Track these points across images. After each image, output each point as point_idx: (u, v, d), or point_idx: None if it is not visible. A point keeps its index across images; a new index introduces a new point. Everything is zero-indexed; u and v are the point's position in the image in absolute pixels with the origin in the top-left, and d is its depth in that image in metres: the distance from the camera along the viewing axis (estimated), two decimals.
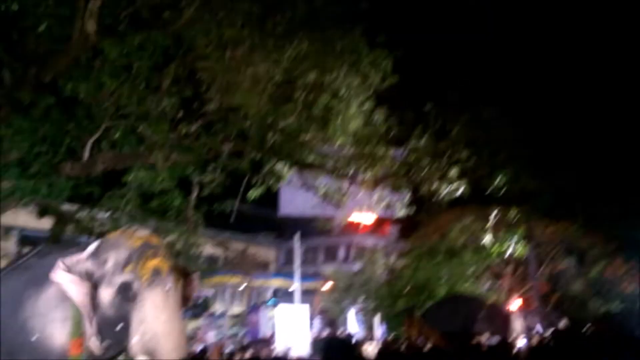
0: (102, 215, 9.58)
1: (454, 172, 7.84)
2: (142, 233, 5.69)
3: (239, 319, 20.76)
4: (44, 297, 5.11)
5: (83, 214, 9.45)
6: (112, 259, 5.19)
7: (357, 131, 7.63)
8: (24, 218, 9.73)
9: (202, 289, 19.46)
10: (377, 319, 16.85)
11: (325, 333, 16.80)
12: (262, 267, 26.26)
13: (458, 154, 7.83)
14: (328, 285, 22.15)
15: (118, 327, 4.98)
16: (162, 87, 7.17)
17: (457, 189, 7.97)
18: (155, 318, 4.98)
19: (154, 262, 5.17)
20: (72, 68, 6.77)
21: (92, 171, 7.59)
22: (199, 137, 7.49)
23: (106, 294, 5.12)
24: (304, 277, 21.98)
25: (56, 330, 5.04)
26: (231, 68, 6.99)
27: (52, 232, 9.58)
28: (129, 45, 6.69)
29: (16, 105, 6.67)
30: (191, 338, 17.02)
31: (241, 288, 23.32)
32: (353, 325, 14.29)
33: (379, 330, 15.54)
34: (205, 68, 7.20)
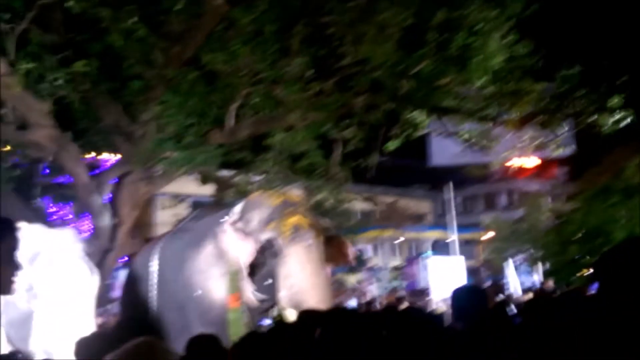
0: (256, 178, 10.11)
1: (616, 100, 6.92)
2: (283, 192, 5.96)
3: (399, 272, 21.00)
4: (202, 256, 5.59)
5: (239, 179, 10.06)
6: (257, 217, 5.51)
7: (500, 67, 7.05)
8: (193, 186, 10.65)
9: (358, 244, 19.96)
10: (539, 268, 15.96)
11: (485, 284, 16.38)
12: (416, 220, 26.13)
13: (617, 79, 6.87)
14: (489, 235, 21.45)
15: (267, 282, 5.32)
16: (292, 48, 7.25)
17: (622, 120, 7.04)
18: (299, 272, 5.23)
19: (294, 219, 5.40)
20: (208, 41, 7.11)
21: (238, 137, 7.99)
22: (332, 93, 7.47)
23: (254, 251, 5.46)
24: (463, 227, 21.51)
25: (216, 286, 5.51)
26: (358, 18, 6.83)
27: (214, 197, 10.40)
28: (257, 11, 6.82)
29: (166, 83, 7.21)
30: (353, 291, 17.64)
31: (398, 241, 23.52)
32: (513, 276, 13.67)
33: (540, 279, 14.78)
34: (333, 22, 7.13)
